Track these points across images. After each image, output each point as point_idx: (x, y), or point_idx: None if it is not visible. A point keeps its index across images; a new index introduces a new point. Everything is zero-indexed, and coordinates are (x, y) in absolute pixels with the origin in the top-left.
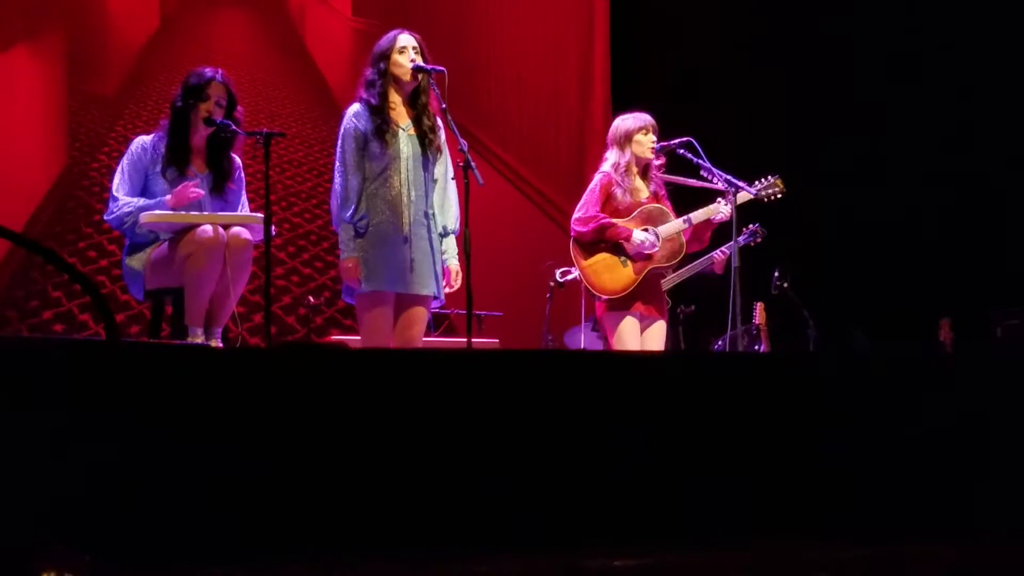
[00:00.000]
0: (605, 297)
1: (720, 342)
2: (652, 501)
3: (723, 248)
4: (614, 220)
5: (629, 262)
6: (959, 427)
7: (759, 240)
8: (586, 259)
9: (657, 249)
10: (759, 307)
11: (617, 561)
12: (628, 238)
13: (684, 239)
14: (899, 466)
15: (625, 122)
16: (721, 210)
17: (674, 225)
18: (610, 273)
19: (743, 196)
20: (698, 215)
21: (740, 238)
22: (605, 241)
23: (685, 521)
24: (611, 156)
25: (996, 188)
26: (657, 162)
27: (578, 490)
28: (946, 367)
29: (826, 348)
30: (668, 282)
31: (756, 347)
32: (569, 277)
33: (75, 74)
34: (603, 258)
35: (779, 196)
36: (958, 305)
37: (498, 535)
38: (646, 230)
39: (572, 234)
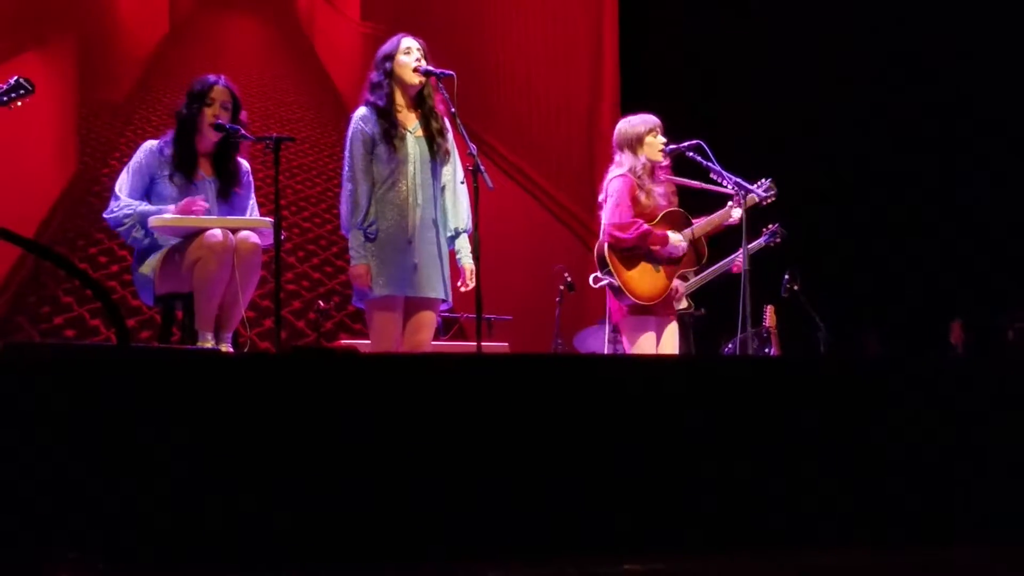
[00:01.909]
0: (638, 302)
1: (730, 345)
2: (662, 506)
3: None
4: (649, 226)
5: (661, 268)
6: (971, 430)
7: (779, 240)
8: (628, 269)
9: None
10: (769, 310)
11: (627, 565)
12: (666, 242)
13: (705, 244)
14: (909, 471)
15: (633, 125)
16: (732, 214)
17: (690, 232)
18: (647, 280)
19: (750, 199)
20: (700, 227)
21: (761, 239)
22: (641, 248)
23: (694, 527)
24: (625, 160)
25: (1006, 189)
26: (663, 163)
27: (588, 495)
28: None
29: (836, 351)
30: (691, 286)
31: (767, 350)
32: (602, 283)
33: (86, 80)
34: (642, 266)
35: (773, 199)
36: (970, 307)
37: (509, 540)
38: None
39: (609, 240)
